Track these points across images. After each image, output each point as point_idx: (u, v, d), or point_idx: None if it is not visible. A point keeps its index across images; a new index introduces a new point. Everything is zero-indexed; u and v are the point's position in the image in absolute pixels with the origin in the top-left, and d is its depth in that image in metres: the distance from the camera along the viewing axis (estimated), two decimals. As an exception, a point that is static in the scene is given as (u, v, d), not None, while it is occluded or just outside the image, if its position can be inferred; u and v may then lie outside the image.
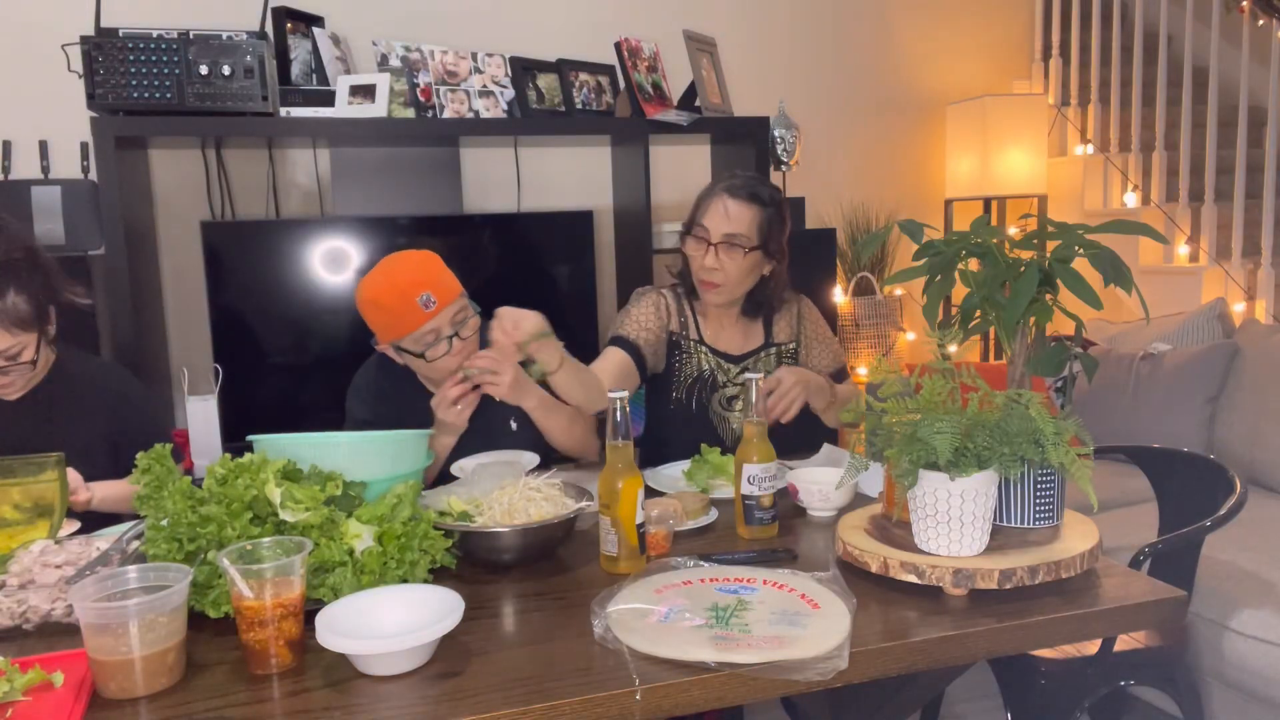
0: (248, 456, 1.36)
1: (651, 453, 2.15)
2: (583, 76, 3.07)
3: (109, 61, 2.45)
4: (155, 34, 2.49)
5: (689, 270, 2.15)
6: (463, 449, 1.87)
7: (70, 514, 1.61)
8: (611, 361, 2.06)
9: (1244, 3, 3.82)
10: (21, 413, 1.81)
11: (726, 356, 2.17)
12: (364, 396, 1.99)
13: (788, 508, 1.70)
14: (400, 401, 1.95)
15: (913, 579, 1.29)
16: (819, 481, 1.68)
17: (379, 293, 1.82)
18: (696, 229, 2.08)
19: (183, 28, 2.54)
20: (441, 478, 1.83)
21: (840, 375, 2.23)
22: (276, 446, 1.43)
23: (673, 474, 1.91)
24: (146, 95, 2.49)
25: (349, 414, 2.00)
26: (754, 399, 1.56)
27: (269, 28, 2.71)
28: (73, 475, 1.63)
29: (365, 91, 2.74)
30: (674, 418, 2.16)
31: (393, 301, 1.80)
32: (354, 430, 1.91)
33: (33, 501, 1.51)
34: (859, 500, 1.70)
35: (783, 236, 2.12)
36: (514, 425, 1.96)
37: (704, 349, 2.16)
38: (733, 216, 2.04)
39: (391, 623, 1.19)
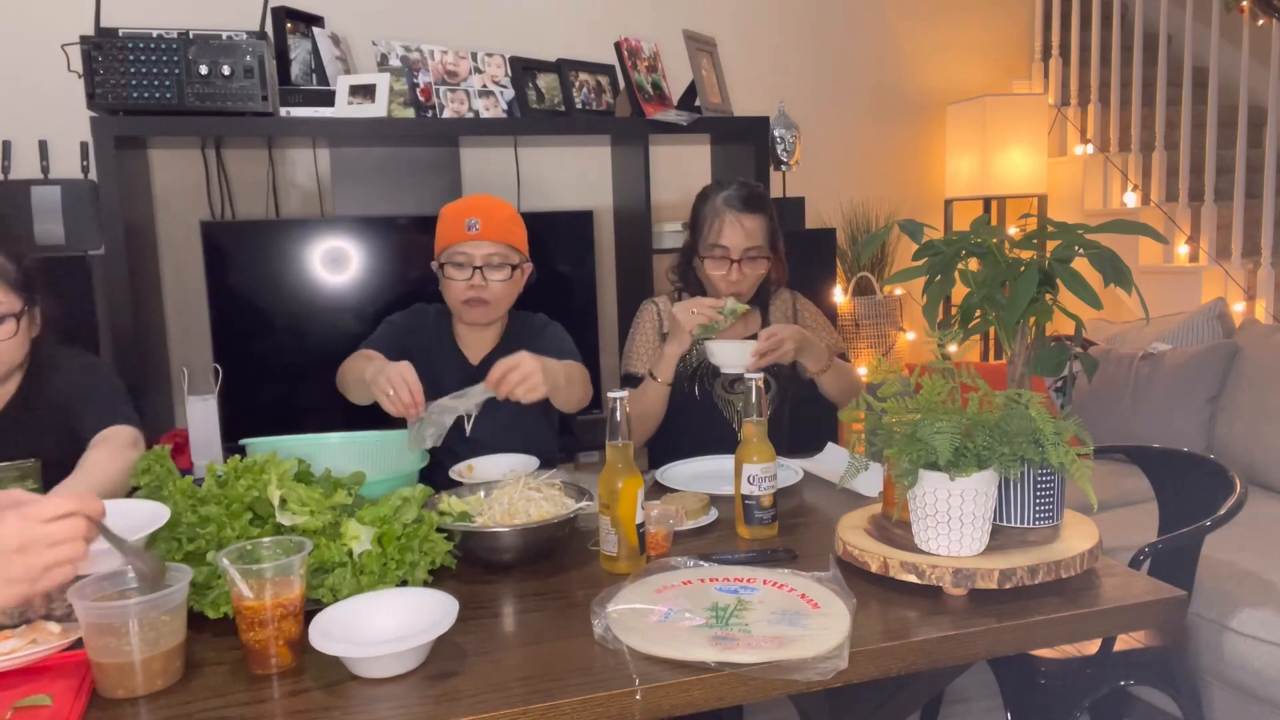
0: (256, 456, 1.36)
1: (662, 448, 2.20)
2: (583, 76, 3.07)
3: (109, 61, 2.45)
4: (155, 34, 2.49)
5: (690, 273, 2.22)
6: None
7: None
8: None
9: (1244, 3, 3.82)
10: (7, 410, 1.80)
11: None
12: (396, 328, 2.12)
13: (788, 508, 1.70)
14: (425, 347, 2.08)
15: (913, 579, 1.29)
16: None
17: (447, 207, 2.08)
18: (716, 250, 2.14)
19: (183, 28, 2.54)
20: (441, 480, 1.83)
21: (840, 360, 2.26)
22: (269, 449, 1.42)
23: (684, 473, 1.92)
24: (146, 95, 2.49)
25: (375, 334, 2.11)
26: (754, 399, 1.56)
27: (269, 28, 2.71)
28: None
29: (365, 91, 2.74)
30: (680, 410, 2.20)
31: (450, 215, 2.05)
32: (375, 339, 2.06)
33: None
34: (859, 500, 1.70)
35: (779, 231, 2.22)
36: None
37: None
38: (749, 231, 2.14)
39: (385, 627, 1.19)
